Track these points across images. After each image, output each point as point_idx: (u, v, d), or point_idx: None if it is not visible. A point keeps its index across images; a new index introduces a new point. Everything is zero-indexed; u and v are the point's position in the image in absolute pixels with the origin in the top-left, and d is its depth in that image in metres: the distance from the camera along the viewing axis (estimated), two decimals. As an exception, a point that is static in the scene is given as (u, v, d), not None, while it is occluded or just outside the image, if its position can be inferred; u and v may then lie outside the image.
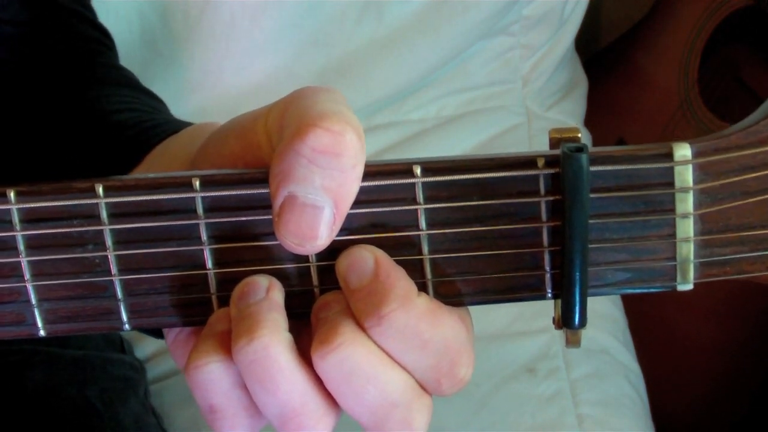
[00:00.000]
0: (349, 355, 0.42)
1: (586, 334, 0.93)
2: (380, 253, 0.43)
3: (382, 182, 0.43)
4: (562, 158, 0.42)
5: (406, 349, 0.43)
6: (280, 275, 0.45)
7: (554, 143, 0.43)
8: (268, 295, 0.44)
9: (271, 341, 0.42)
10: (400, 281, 0.43)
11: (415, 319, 0.43)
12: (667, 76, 1.11)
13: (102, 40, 0.63)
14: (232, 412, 0.44)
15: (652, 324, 1.11)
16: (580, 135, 0.43)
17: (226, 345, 0.43)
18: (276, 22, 0.77)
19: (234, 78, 0.79)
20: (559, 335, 0.86)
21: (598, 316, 0.91)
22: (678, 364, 1.14)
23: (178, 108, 0.80)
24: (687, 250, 0.44)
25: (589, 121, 1.10)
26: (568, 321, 0.44)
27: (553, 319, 0.45)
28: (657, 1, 1.16)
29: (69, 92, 0.58)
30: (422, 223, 0.44)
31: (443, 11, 0.83)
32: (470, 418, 0.82)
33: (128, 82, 0.60)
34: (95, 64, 0.61)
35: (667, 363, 1.13)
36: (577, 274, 0.43)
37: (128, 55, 0.77)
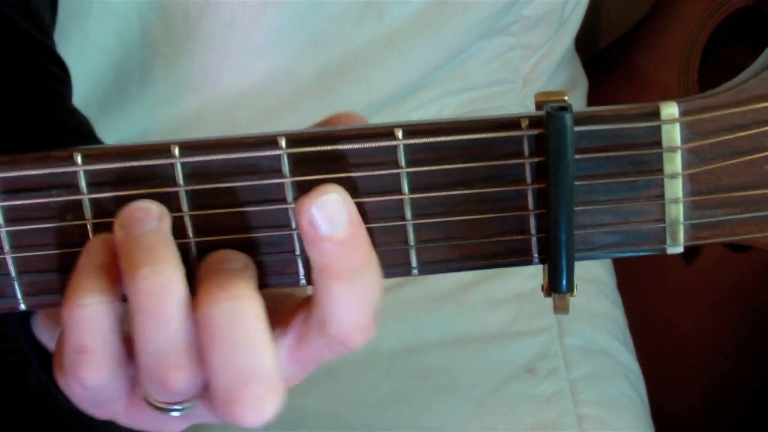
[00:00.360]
0: (243, 309, 0.42)
1: (586, 333, 0.93)
2: (352, 204, 0.43)
3: (363, 145, 0.43)
4: (546, 118, 0.41)
5: (359, 303, 0.43)
6: (262, 243, 0.44)
7: (539, 106, 0.43)
8: (160, 224, 0.43)
9: (174, 274, 0.42)
10: (368, 238, 0.43)
11: (375, 279, 0.43)
12: (667, 76, 1.11)
13: (61, 77, 0.63)
14: (100, 356, 0.43)
15: (652, 324, 1.11)
16: (566, 98, 0.42)
17: (113, 281, 0.42)
18: (276, 22, 0.77)
19: (234, 78, 0.79)
20: (559, 335, 0.86)
21: (598, 316, 0.91)
22: (678, 364, 1.14)
23: (178, 108, 0.80)
24: (676, 211, 0.44)
25: (589, 121, 1.10)
26: (555, 285, 0.43)
27: (542, 286, 0.45)
28: (657, 1, 1.16)
29: (34, 136, 0.58)
30: (405, 188, 0.43)
31: (443, 11, 0.83)
32: (470, 418, 0.82)
33: (88, 129, 0.60)
34: (56, 106, 0.60)
35: (667, 363, 1.13)
36: (563, 236, 0.42)
37: (128, 55, 0.77)
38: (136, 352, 0.43)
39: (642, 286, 1.11)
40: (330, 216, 0.42)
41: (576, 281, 0.44)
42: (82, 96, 0.75)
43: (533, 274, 0.86)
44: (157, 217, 0.43)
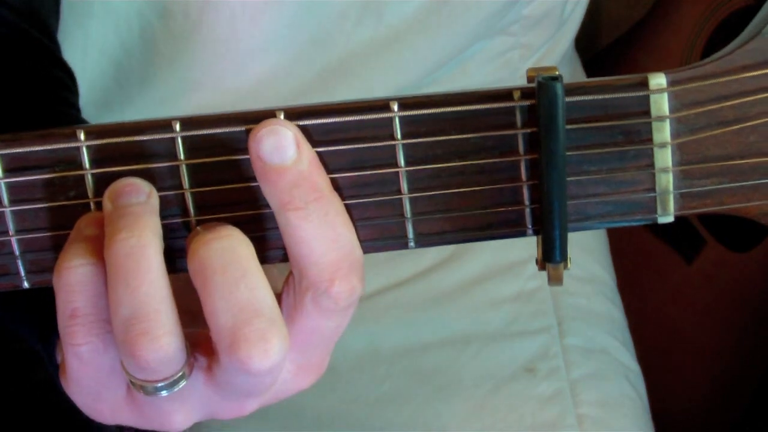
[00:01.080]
0: (233, 245, 0.43)
1: (586, 334, 0.93)
2: (300, 136, 0.43)
3: (360, 117, 0.43)
4: (537, 88, 0.42)
5: (324, 238, 0.43)
6: (264, 218, 0.45)
7: (531, 79, 0.43)
8: (149, 199, 0.44)
9: (151, 241, 0.43)
10: (323, 171, 0.44)
11: (334, 211, 0.43)
12: (667, 76, 1.11)
13: (66, 82, 0.63)
14: (92, 320, 0.44)
15: (652, 324, 1.11)
16: (558, 73, 0.43)
17: (98, 249, 0.43)
18: (276, 22, 0.77)
19: (234, 78, 0.79)
20: (559, 335, 0.86)
21: (598, 316, 0.91)
22: (678, 364, 1.14)
23: (178, 108, 0.80)
24: (666, 180, 0.44)
25: (589, 121, 1.10)
26: (549, 256, 0.44)
27: (536, 260, 0.45)
28: (657, 1, 1.16)
29: None
30: (400, 160, 0.44)
31: (443, 11, 0.83)
32: (470, 418, 0.82)
33: None
34: (62, 120, 0.60)
35: (667, 363, 1.13)
36: (556, 205, 0.43)
37: (128, 55, 0.77)
38: (112, 321, 0.43)
39: (642, 286, 1.11)
40: (277, 146, 0.43)
41: (571, 268, 0.45)
42: (82, 95, 0.75)
43: (533, 275, 0.86)
44: (147, 193, 0.44)
